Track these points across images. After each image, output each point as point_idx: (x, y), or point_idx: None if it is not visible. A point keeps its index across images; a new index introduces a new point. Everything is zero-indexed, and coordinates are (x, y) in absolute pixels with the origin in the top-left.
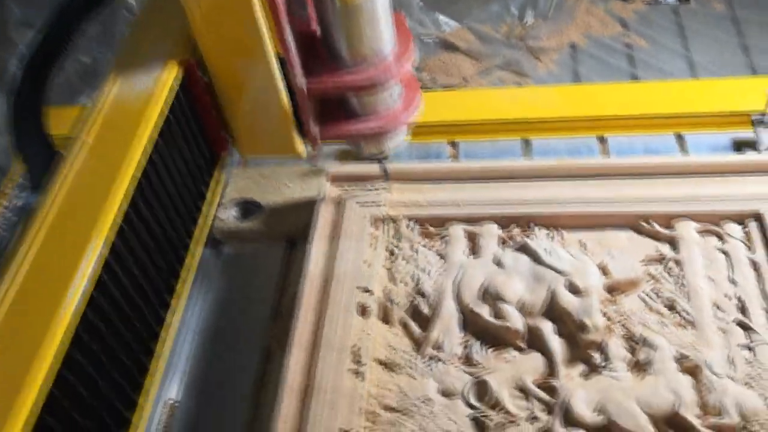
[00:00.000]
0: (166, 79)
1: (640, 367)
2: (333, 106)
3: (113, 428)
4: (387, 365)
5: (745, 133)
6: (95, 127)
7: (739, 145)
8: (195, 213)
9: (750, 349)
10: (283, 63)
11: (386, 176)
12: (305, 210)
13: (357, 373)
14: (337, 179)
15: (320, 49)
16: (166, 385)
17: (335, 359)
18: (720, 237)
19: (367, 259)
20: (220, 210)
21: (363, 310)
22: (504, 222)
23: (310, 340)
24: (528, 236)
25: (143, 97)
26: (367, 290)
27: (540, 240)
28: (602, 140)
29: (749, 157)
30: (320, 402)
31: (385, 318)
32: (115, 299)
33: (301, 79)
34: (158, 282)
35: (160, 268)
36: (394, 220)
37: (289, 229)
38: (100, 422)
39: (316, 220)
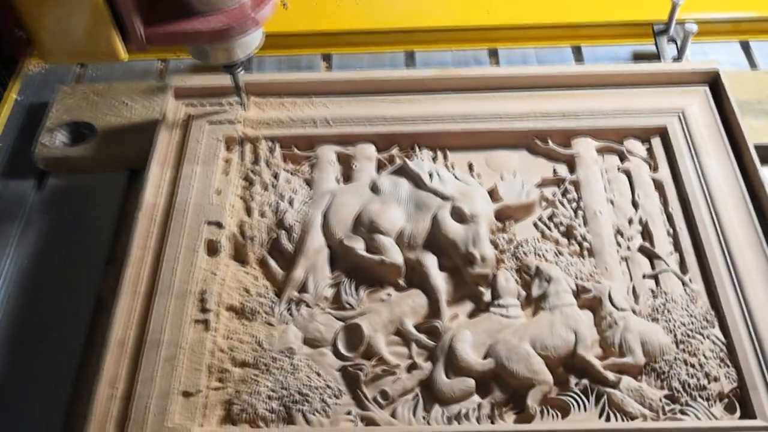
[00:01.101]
0: None
1: (533, 302)
2: (166, 2)
3: None
4: (240, 312)
5: (647, 45)
6: None
7: (640, 58)
8: None
9: (654, 278)
10: None
11: (239, 92)
12: (148, 133)
13: (203, 322)
14: (183, 94)
15: None
16: None
17: (175, 307)
18: (621, 156)
19: (218, 187)
20: (45, 135)
21: (211, 248)
22: (382, 142)
23: (146, 285)
24: (409, 158)
25: None
26: (217, 224)
27: (422, 162)
28: (493, 53)
29: (653, 66)
30: (156, 360)
31: (239, 256)
32: None
33: None
34: None
35: None
36: (251, 140)
37: (128, 156)
38: None
39: (156, 142)
